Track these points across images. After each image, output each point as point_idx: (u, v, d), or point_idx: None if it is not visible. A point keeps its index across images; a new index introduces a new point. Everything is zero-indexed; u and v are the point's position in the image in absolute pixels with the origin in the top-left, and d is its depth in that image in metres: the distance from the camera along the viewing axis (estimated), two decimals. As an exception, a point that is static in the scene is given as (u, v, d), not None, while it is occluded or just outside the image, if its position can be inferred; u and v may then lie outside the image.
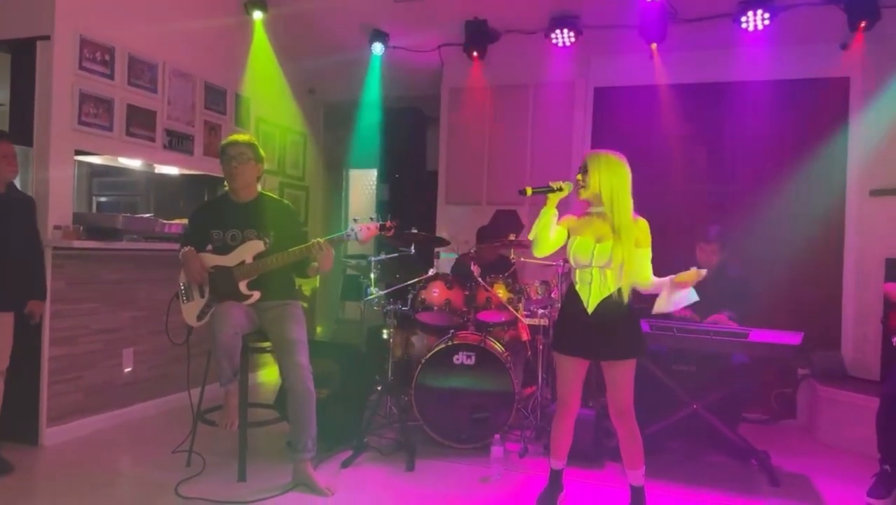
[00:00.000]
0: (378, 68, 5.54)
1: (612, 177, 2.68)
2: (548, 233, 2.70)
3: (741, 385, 3.75)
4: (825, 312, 4.66)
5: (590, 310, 2.73)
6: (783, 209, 4.76)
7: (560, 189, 2.70)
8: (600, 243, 2.71)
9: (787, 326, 3.55)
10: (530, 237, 2.74)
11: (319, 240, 3.05)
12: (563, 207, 2.79)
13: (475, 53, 5.15)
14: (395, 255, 4.29)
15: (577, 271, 2.79)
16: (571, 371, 2.82)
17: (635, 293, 2.77)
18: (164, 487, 3.07)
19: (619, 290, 2.69)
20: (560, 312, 2.99)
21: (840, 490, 3.32)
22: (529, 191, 2.73)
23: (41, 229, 3.54)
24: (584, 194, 2.74)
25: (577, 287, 2.78)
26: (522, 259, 4.35)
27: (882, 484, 3.14)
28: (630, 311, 2.74)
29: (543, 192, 2.71)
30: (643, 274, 2.74)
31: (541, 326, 4.07)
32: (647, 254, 2.74)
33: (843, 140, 4.70)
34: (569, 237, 2.78)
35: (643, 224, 2.75)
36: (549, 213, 2.70)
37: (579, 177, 2.75)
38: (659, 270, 2.79)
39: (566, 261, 3.50)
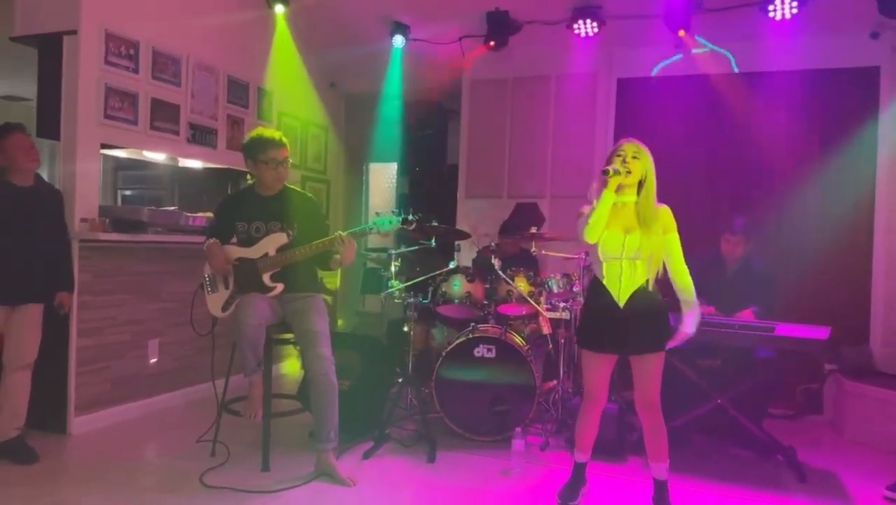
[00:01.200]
0: (399, 61, 5.51)
1: (648, 165, 2.71)
2: (606, 218, 2.67)
3: (766, 380, 3.70)
4: (853, 306, 4.56)
5: (621, 303, 2.71)
6: (811, 201, 4.68)
7: (618, 173, 2.66)
8: (629, 234, 2.69)
9: (814, 320, 3.49)
10: (591, 220, 2.65)
11: (342, 233, 3.06)
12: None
13: (496, 45, 5.11)
14: (416, 248, 4.29)
15: (605, 264, 2.75)
16: (600, 367, 2.81)
17: (661, 285, 2.74)
18: (189, 476, 3.11)
19: (648, 280, 2.70)
20: (585, 308, 2.96)
21: (868, 487, 3.27)
22: (612, 173, 2.65)
23: (68, 222, 3.59)
24: (628, 180, 2.70)
25: (605, 281, 2.75)
26: (544, 252, 4.33)
27: None
28: (659, 302, 2.73)
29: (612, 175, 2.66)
30: (676, 261, 2.71)
31: (562, 319, 4.05)
32: (675, 238, 2.72)
33: (873, 131, 4.59)
34: None
35: (666, 210, 2.74)
36: (611, 197, 2.66)
37: (620, 163, 2.69)
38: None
39: (587, 254, 3.48)
